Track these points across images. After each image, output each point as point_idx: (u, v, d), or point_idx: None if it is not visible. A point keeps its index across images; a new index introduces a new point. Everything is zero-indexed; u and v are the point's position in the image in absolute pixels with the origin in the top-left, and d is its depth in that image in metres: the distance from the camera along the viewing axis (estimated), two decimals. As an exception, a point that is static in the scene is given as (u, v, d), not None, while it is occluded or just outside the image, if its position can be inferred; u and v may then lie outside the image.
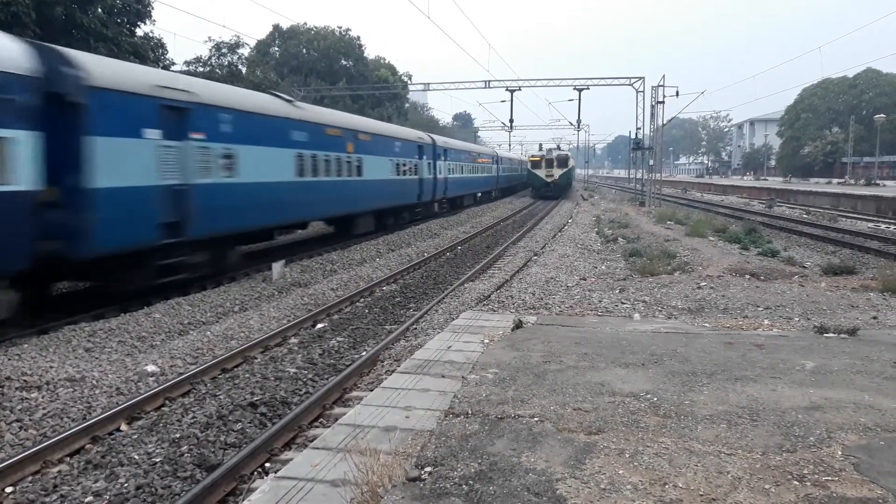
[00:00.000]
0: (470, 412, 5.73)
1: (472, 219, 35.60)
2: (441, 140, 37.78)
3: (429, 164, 33.46)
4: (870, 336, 8.86)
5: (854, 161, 79.61)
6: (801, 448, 4.91)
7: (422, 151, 32.53)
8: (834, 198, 44.77)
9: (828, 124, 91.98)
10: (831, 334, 8.85)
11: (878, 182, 64.30)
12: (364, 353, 10.04)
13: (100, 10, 26.98)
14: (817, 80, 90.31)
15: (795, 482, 4.37)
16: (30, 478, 6.17)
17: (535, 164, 57.81)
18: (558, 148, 63.68)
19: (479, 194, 50.23)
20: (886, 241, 23.10)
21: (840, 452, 4.83)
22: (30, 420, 7.36)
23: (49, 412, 7.57)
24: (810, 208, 41.38)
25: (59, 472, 6.30)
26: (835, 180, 73.12)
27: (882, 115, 70.59)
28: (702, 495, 4.19)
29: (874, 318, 10.77)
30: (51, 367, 8.91)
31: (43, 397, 7.99)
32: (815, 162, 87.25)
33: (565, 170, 57.07)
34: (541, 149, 64.67)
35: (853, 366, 7.10)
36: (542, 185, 56.45)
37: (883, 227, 29.22)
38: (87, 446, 6.85)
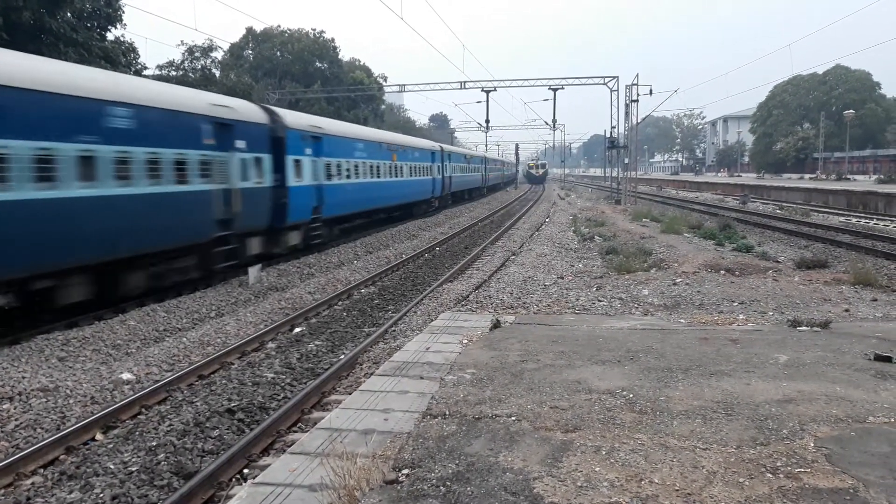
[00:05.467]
0: (448, 413, 5.74)
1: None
2: (304, 121, 22.61)
3: (257, 159, 18.12)
4: (841, 329, 9.02)
5: (825, 156, 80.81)
6: (775, 441, 4.98)
7: (232, 136, 16.64)
8: (806, 193, 45.45)
9: (799, 120, 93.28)
10: (804, 328, 8.99)
11: (848, 177, 65.38)
12: (342, 357, 10.00)
13: (69, 14, 26.62)
14: (788, 77, 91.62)
15: (769, 475, 4.43)
16: (2, 491, 6.06)
17: (530, 167, 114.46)
18: (540, 159, 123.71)
19: (401, 208, 34.30)
20: (857, 234, 23.49)
21: (812, 444, 4.90)
22: (1, 432, 7.25)
23: (21, 423, 7.46)
24: (783, 204, 41.94)
25: (33, 483, 6.20)
26: (807, 176, 74.24)
27: (851, 111, 71.79)
28: (677, 490, 4.23)
29: (846, 310, 10.95)
30: (23, 378, 8.78)
31: (15, 408, 7.86)
32: (787, 158, 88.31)
33: (544, 170, 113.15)
34: (517, 149, 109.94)
35: (825, 358, 7.22)
36: (533, 177, 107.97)
37: (853, 220, 29.70)
38: (62, 457, 6.76)
